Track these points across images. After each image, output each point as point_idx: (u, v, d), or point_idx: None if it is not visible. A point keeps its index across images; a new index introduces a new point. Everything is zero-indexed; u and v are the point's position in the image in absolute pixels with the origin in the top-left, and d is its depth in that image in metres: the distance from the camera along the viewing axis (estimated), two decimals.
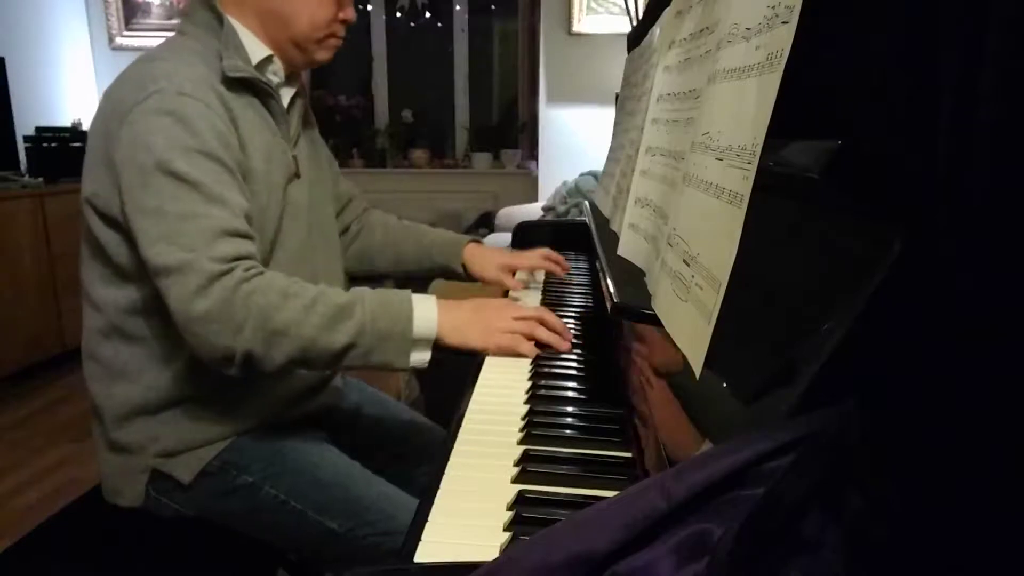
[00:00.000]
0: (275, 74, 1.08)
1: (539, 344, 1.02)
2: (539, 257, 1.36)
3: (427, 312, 0.96)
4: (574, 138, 3.57)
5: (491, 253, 1.34)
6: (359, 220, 1.38)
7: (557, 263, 1.37)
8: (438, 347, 0.98)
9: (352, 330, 0.91)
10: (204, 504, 1.02)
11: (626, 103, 1.44)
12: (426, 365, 0.97)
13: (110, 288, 1.00)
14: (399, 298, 0.96)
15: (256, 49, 1.04)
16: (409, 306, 0.95)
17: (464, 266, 1.34)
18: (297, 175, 1.10)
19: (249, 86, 1.03)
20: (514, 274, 1.34)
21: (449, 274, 1.36)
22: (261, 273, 0.91)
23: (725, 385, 0.52)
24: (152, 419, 1.01)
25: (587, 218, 1.60)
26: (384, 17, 4.42)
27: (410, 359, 0.95)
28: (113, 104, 0.94)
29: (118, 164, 0.91)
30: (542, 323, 1.03)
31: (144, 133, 0.90)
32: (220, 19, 1.02)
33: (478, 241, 1.37)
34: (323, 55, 1.09)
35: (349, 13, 1.09)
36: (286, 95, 1.11)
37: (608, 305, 0.91)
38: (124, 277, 0.99)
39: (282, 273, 0.94)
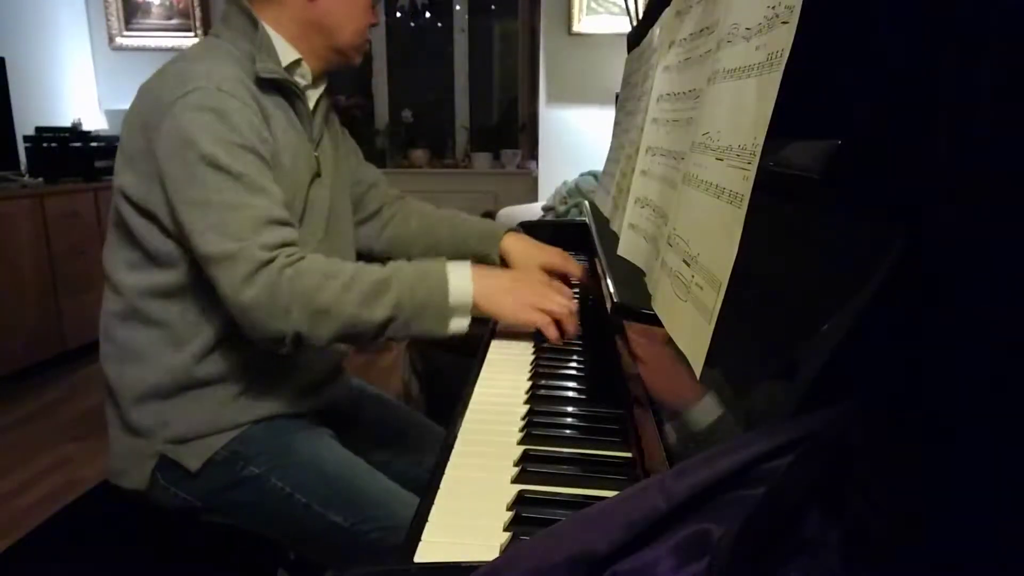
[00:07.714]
0: (303, 77, 1.12)
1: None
2: (579, 268, 1.30)
3: (462, 280, 0.99)
4: (574, 138, 3.57)
5: (536, 251, 1.32)
6: (391, 206, 1.39)
7: (580, 279, 1.31)
8: (473, 312, 1.00)
9: (390, 304, 0.95)
10: (209, 494, 1.03)
11: (626, 103, 1.44)
12: (465, 331, 0.99)
13: (134, 272, 1.04)
14: (434, 268, 0.99)
15: (286, 53, 1.09)
16: (444, 276, 0.98)
17: (502, 256, 1.33)
18: (318, 175, 1.14)
19: (278, 87, 1.07)
20: (550, 274, 1.29)
21: (485, 263, 1.34)
22: (302, 258, 0.95)
23: (725, 385, 0.52)
24: (164, 403, 1.03)
25: (587, 218, 1.60)
26: (384, 17, 4.42)
27: (449, 326, 0.98)
28: (152, 99, 0.98)
29: (160, 157, 0.95)
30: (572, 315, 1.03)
31: (187, 128, 0.93)
32: (255, 24, 1.06)
33: (518, 231, 1.35)
34: (359, 59, 1.17)
35: (377, 17, 1.17)
36: (312, 97, 1.16)
37: (608, 305, 0.91)
38: (152, 262, 1.02)
39: (321, 255, 0.98)
